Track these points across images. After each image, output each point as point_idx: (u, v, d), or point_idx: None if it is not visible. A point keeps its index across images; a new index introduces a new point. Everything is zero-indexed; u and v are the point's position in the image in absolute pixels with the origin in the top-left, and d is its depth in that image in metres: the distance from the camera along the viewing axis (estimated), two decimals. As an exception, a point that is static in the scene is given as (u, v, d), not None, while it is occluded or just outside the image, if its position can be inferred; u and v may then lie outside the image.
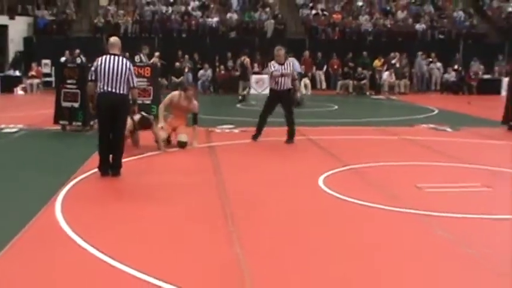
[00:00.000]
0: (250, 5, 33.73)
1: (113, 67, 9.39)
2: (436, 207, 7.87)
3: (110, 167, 9.54)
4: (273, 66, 13.33)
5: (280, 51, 13.58)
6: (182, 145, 12.20)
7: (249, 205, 8.00)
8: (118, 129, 9.63)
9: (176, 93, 12.75)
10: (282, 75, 13.17)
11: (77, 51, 25.58)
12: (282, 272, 5.58)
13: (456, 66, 30.24)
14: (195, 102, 12.53)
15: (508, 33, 33.73)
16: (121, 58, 9.60)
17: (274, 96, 13.45)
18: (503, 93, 23.39)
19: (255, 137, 13.40)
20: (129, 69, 9.53)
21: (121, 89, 9.43)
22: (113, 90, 9.38)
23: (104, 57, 9.51)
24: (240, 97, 23.97)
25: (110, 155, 9.58)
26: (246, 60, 25.87)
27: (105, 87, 9.39)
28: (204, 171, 10.12)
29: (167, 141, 12.45)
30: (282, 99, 13.36)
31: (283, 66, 13.24)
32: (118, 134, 9.66)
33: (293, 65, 13.29)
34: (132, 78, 9.57)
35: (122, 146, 9.78)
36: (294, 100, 13.67)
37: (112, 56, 9.54)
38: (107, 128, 9.55)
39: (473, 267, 5.80)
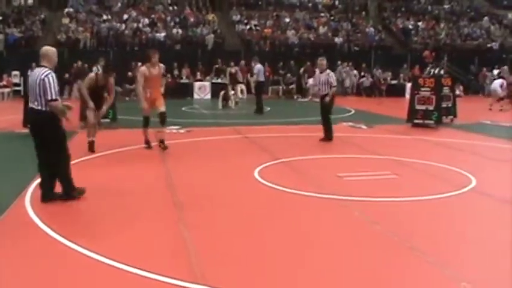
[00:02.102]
0: (194, 22, 33.58)
1: (32, 80, 7.27)
2: (354, 192, 8.00)
3: (60, 194, 7.50)
4: (316, 73, 13.52)
5: (322, 61, 13.48)
6: (163, 116, 11.62)
7: (195, 194, 7.98)
8: (50, 151, 7.36)
9: (142, 68, 11.83)
10: (320, 82, 13.23)
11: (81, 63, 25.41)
12: (223, 249, 5.61)
13: (362, 73, 30.91)
14: (161, 65, 12.12)
15: (408, 46, 34.54)
16: (41, 70, 7.26)
17: (320, 100, 13.51)
18: (407, 96, 23.87)
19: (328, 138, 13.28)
20: (43, 80, 7.10)
21: (40, 104, 7.19)
22: (33, 106, 7.28)
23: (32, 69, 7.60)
24: (235, 101, 23.65)
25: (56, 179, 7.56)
26: (235, 69, 26.18)
27: (29, 103, 7.44)
28: (155, 167, 10.05)
29: (149, 146, 11.77)
30: (321, 102, 13.38)
31: (322, 75, 13.23)
32: (53, 158, 7.40)
33: (331, 75, 13.19)
34: (47, 91, 7.10)
35: (64, 169, 7.50)
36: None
37: (36, 68, 7.46)
38: (39, 149, 7.46)
39: (387, 243, 5.92)
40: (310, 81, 29.63)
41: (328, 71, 13.33)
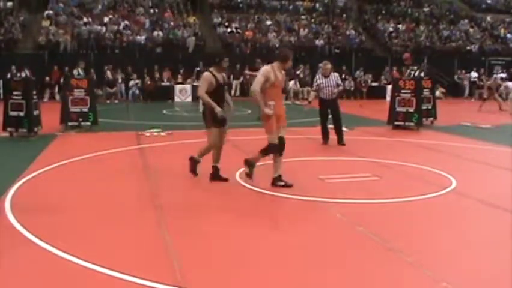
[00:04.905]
0: (174, 24, 33.49)
1: None
2: (335, 194, 8.01)
3: None
4: (320, 78, 13.17)
5: (326, 65, 13.23)
6: (283, 142, 8.55)
7: (176, 197, 7.96)
8: None
9: (267, 68, 8.45)
10: (328, 86, 13.05)
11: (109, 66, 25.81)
12: (205, 252, 5.58)
13: (344, 76, 31.09)
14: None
15: (389, 48, 34.76)
16: None
17: (323, 105, 13.26)
18: (388, 98, 24.00)
19: (325, 142, 13.16)
20: None
21: None
22: None
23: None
24: None
25: None
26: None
27: None
28: (135, 169, 9.99)
29: (286, 184, 8.48)
30: (329, 107, 13.21)
31: (328, 79, 13.06)
32: None
33: (336, 77, 13.22)
34: None
35: None
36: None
37: None
38: None
39: (368, 244, 5.93)
40: (291, 83, 29.74)
41: (334, 73, 13.32)
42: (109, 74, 28.31)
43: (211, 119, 8.78)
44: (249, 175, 8.63)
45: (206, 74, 8.85)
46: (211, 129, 8.86)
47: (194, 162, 9.12)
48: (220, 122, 8.81)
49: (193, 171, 9.10)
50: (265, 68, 8.46)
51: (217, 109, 8.61)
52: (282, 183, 8.46)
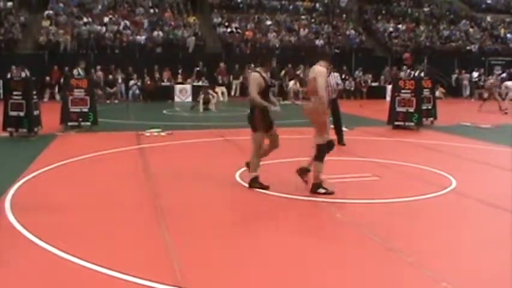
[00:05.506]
0: (175, 24, 33.50)
1: None
2: (336, 194, 7.99)
3: None
4: None
5: None
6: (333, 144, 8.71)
7: (176, 198, 7.95)
8: None
9: (323, 71, 8.25)
10: (328, 86, 12.89)
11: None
12: (205, 253, 5.58)
13: (344, 76, 31.13)
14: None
15: (389, 48, 34.77)
16: None
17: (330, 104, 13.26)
18: (388, 98, 23.99)
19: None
20: None
21: None
22: None
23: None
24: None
25: None
26: None
27: None
28: (135, 170, 9.98)
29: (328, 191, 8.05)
30: (329, 107, 13.14)
31: (328, 79, 12.81)
32: None
33: (336, 77, 13.09)
34: None
35: None
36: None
37: None
38: None
39: (368, 244, 5.93)
40: (291, 83, 29.73)
41: (334, 73, 13.20)
42: (100, 74, 28.21)
43: (259, 121, 8.51)
44: (329, 192, 8.04)
45: (255, 74, 8.52)
46: (258, 133, 8.62)
47: (255, 181, 8.43)
48: (269, 123, 8.62)
49: (259, 186, 8.38)
50: (323, 71, 8.17)
51: (271, 107, 8.43)
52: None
